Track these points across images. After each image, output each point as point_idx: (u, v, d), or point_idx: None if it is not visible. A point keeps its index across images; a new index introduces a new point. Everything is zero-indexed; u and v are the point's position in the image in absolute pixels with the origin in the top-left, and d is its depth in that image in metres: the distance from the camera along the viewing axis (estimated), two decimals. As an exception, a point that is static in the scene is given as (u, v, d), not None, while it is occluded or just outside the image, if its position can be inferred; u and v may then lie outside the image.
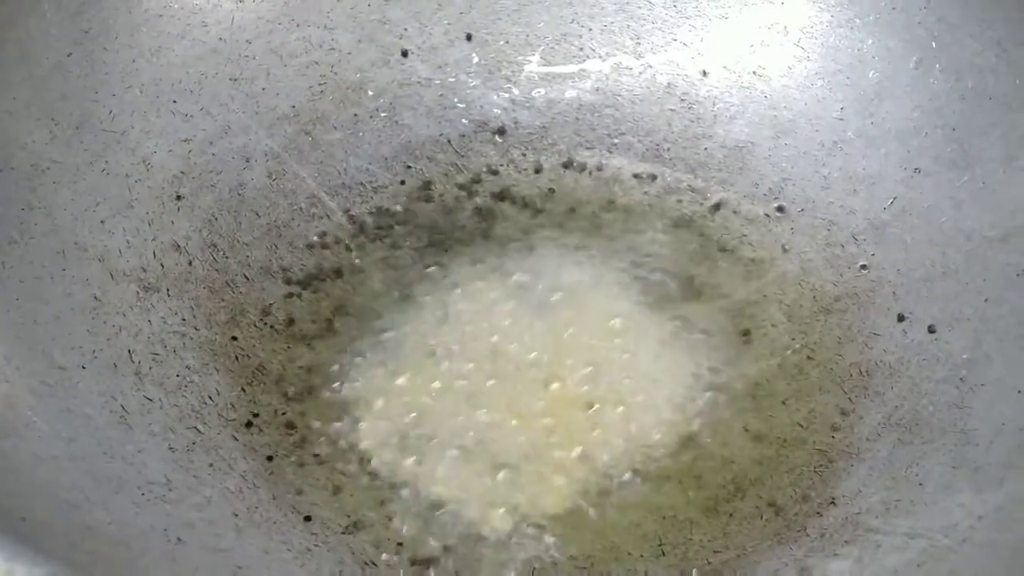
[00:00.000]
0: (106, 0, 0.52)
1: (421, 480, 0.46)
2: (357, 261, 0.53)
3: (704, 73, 0.57)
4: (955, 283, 0.49)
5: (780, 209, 0.54)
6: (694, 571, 0.43)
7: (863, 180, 0.53)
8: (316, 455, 0.47)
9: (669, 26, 0.58)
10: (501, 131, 0.57)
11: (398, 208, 0.54)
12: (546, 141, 0.57)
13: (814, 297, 0.51)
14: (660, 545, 0.44)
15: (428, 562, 0.44)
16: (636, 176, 0.55)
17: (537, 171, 0.56)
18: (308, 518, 0.45)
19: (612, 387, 0.48)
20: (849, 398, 0.48)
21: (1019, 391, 0.45)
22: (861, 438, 0.46)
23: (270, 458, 0.46)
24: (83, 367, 0.46)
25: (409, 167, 0.55)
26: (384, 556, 0.44)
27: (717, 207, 0.54)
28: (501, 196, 0.55)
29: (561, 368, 0.49)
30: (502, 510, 0.45)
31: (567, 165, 0.56)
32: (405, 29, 0.57)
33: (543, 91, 0.57)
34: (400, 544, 0.44)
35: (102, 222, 0.50)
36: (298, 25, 0.56)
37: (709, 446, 0.47)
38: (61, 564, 0.36)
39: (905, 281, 0.50)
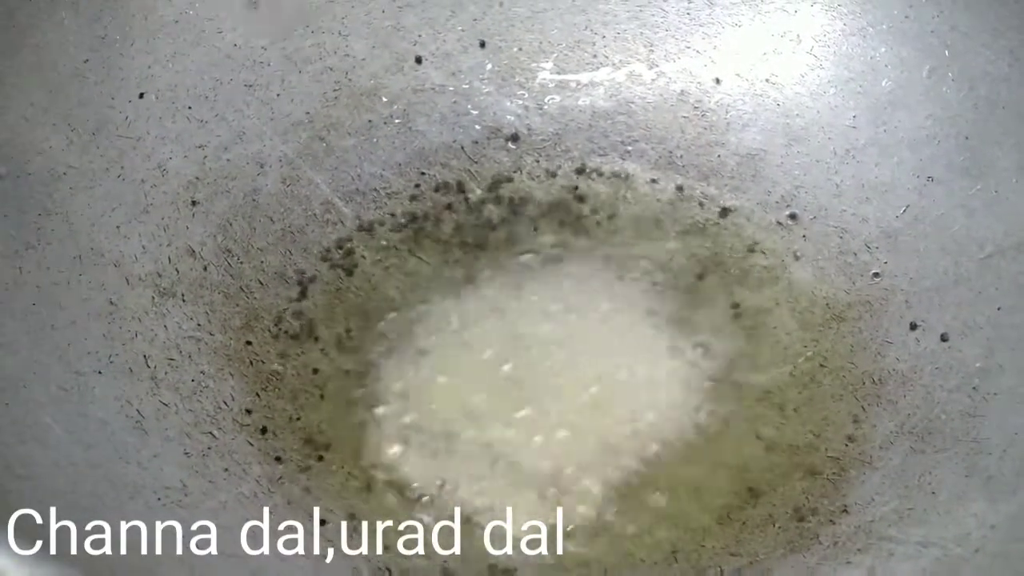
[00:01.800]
0: (123, 7, 0.53)
1: (435, 485, 0.46)
2: (371, 267, 0.53)
3: (717, 81, 0.57)
4: (968, 292, 0.49)
5: (792, 217, 0.54)
6: None
7: (876, 188, 0.53)
8: (330, 459, 0.47)
9: (682, 34, 0.58)
10: (515, 138, 0.57)
11: (412, 214, 0.54)
12: (559, 148, 0.57)
13: (826, 305, 0.51)
14: (673, 552, 0.45)
15: (442, 566, 0.44)
16: (649, 183, 0.56)
17: (550, 178, 0.56)
18: (323, 522, 0.45)
19: (625, 394, 0.49)
20: (862, 406, 0.48)
21: (1032, 400, 0.45)
22: (874, 446, 0.47)
23: (278, 459, 0.46)
24: (99, 372, 0.46)
25: (423, 173, 0.56)
26: (398, 559, 0.44)
27: (729, 214, 0.54)
28: (514, 202, 0.55)
29: (574, 375, 0.49)
30: (516, 516, 0.45)
31: (580, 172, 0.56)
32: (419, 36, 0.58)
33: (556, 98, 0.58)
34: (413, 548, 0.44)
35: (118, 227, 0.50)
36: (313, 32, 0.57)
37: (721, 454, 0.47)
38: (78, 569, 0.36)
39: (918, 289, 0.50)
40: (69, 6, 0.51)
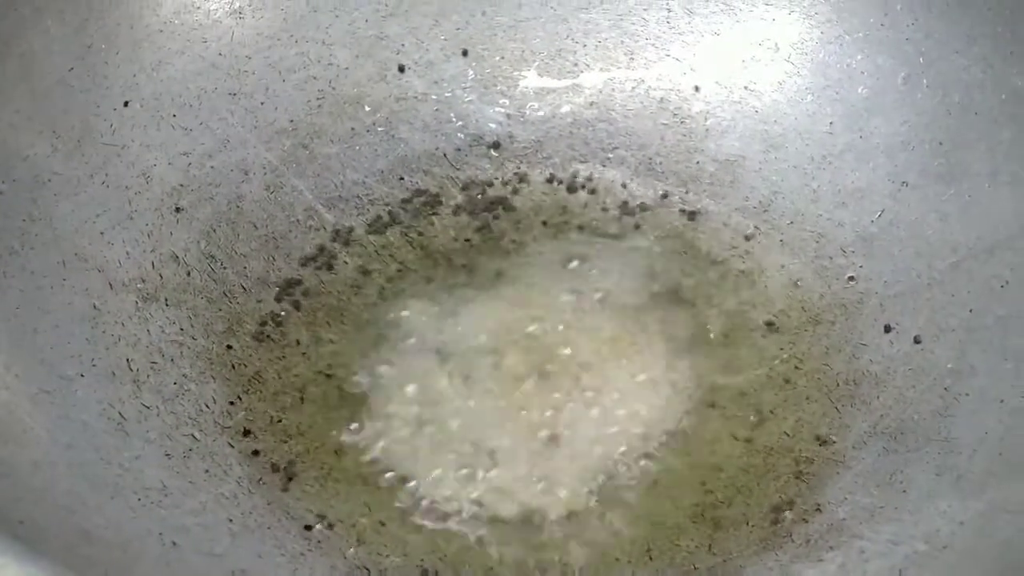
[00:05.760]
0: (108, 16, 0.53)
1: (414, 485, 0.47)
2: (353, 272, 0.53)
3: (696, 88, 0.58)
4: (941, 294, 0.50)
5: (770, 222, 0.54)
6: None
7: (852, 193, 0.54)
8: (310, 461, 0.47)
9: (662, 42, 0.58)
10: (496, 145, 0.57)
11: (394, 221, 0.55)
12: (540, 155, 0.57)
13: (802, 308, 0.52)
14: (648, 551, 0.45)
15: (421, 565, 0.45)
16: (629, 189, 0.56)
17: (531, 185, 0.57)
18: (308, 527, 0.45)
19: (601, 396, 0.49)
20: (836, 407, 0.48)
21: (1002, 401, 0.45)
22: (847, 446, 0.47)
23: (256, 452, 0.47)
24: (82, 375, 0.47)
25: (405, 180, 0.56)
26: (376, 559, 0.45)
27: (708, 219, 0.55)
28: (496, 209, 0.56)
29: (551, 377, 0.50)
30: (491, 517, 0.46)
31: (561, 179, 0.57)
32: (402, 45, 0.58)
33: (538, 106, 0.58)
34: (390, 548, 0.45)
35: (102, 233, 0.51)
36: (296, 41, 0.57)
37: (697, 454, 0.48)
38: (58, 567, 0.36)
39: (892, 293, 0.51)
40: (55, 15, 0.52)
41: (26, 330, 0.46)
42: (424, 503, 0.46)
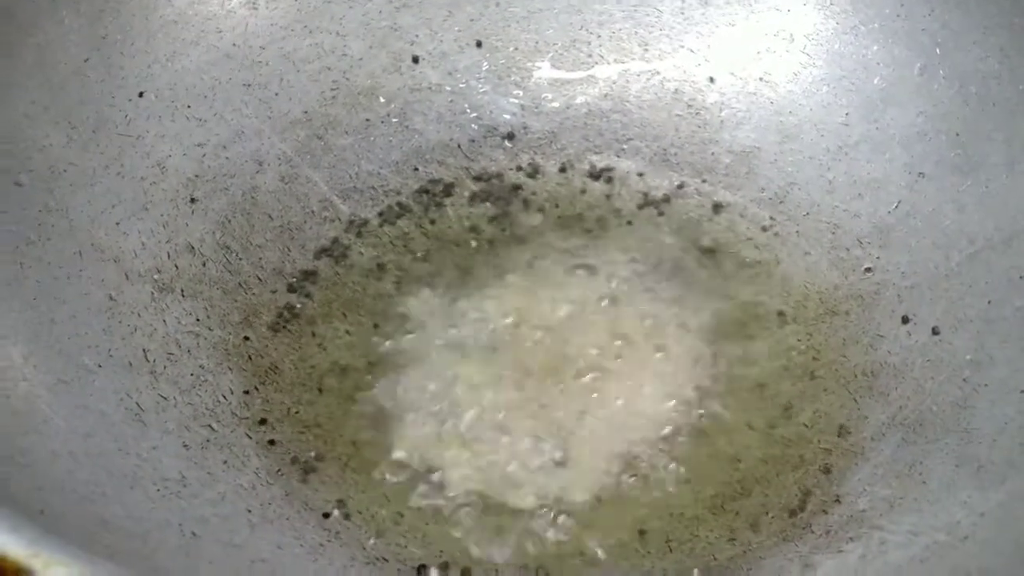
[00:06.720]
0: (123, 7, 0.53)
1: (432, 475, 0.47)
2: (367, 263, 0.53)
3: (711, 79, 0.58)
4: (959, 285, 0.50)
5: (786, 213, 0.54)
6: (696, 571, 0.44)
7: (868, 184, 0.54)
8: (328, 452, 0.47)
9: (677, 33, 0.58)
10: (510, 136, 0.57)
11: (408, 211, 0.55)
12: (555, 146, 0.57)
13: (819, 299, 0.52)
14: (667, 542, 0.45)
15: (439, 555, 0.45)
16: (644, 180, 0.56)
17: (545, 176, 0.57)
18: (326, 515, 0.45)
19: (618, 388, 0.49)
20: (854, 398, 0.48)
21: (1021, 391, 0.45)
22: (866, 438, 0.47)
23: (272, 442, 0.47)
24: (99, 366, 0.47)
25: (419, 171, 0.56)
26: (395, 548, 0.45)
27: (723, 211, 0.55)
28: (510, 199, 0.56)
29: (568, 368, 0.50)
30: (509, 508, 0.46)
31: (576, 170, 0.57)
32: (416, 35, 0.58)
33: (552, 97, 0.58)
34: (409, 539, 0.45)
35: (118, 224, 0.51)
36: (311, 32, 0.57)
37: (716, 445, 0.48)
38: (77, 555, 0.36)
39: (909, 284, 0.51)
40: (70, 6, 0.52)
41: (43, 320, 0.46)
42: (443, 493, 0.46)
